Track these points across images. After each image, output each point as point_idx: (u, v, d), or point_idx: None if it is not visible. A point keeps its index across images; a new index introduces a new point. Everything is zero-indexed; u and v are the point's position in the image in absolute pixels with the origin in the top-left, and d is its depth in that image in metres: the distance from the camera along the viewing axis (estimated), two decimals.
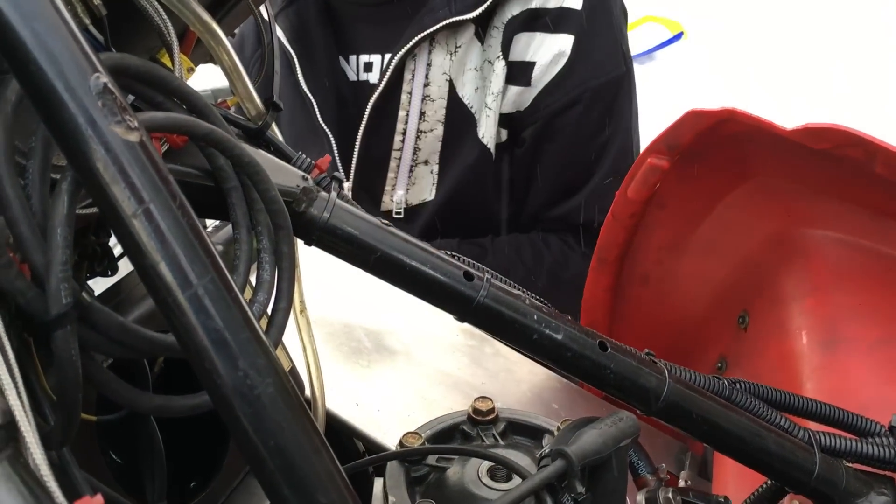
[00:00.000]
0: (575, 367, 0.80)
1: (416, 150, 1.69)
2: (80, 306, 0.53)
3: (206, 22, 0.72)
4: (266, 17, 0.90)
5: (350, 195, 1.77)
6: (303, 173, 0.75)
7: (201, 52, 0.79)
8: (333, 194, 0.75)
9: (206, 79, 0.86)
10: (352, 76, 1.78)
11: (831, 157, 0.96)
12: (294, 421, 0.53)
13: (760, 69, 4.47)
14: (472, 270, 0.77)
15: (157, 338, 0.57)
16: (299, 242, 0.76)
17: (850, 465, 0.87)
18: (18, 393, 0.48)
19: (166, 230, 0.50)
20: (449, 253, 0.78)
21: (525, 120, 1.68)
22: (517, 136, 1.70)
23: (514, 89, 1.66)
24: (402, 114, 1.67)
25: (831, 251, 1.06)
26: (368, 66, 1.76)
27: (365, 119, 1.69)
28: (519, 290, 0.80)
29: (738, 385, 0.87)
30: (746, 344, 1.18)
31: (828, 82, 4.26)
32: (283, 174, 0.73)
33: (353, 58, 1.78)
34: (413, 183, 1.72)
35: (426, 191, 1.73)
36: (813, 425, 0.88)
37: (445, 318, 1.35)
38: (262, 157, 0.74)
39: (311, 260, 1.00)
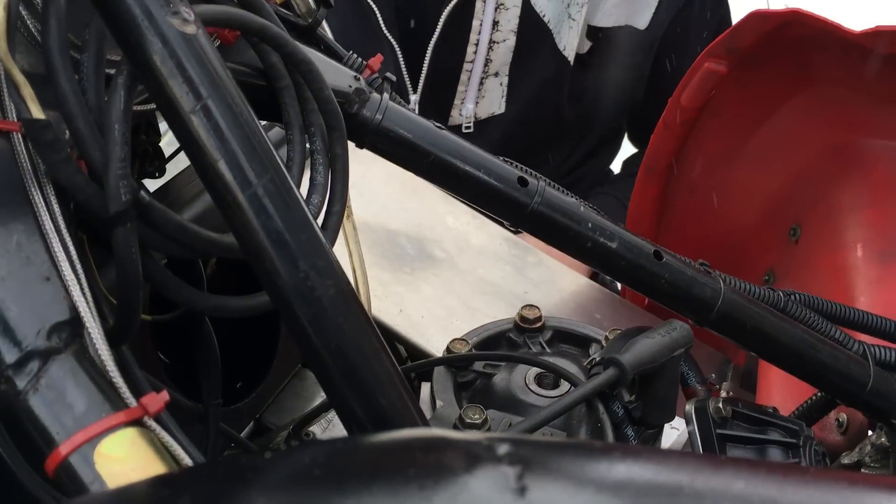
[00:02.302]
0: (628, 276, 0.79)
1: (487, 61, 1.65)
2: (139, 204, 0.52)
3: None
4: None
5: (416, 109, 1.75)
6: (354, 73, 0.73)
7: None
8: (386, 95, 0.73)
9: None
10: None
11: None
12: (355, 323, 0.52)
13: None
14: (526, 176, 0.75)
15: (215, 238, 0.56)
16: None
17: None
18: (82, 288, 0.47)
19: (225, 127, 0.49)
20: (503, 158, 0.76)
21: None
22: (601, 48, 1.66)
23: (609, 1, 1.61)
24: (475, 23, 1.62)
25: (892, 162, 1.03)
26: None
27: (439, 28, 1.64)
28: (574, 197, 0.78)
29: (793, 297, 0.85)
30: (797, 257, 1.15)
31: None
32: (334, 74, 0.71)
33: None
34: (482, 96, 1.68)
35: (495, 104, 1.69)
36: (867, 339, 0.87)
37: (489, 227, 1.35)
38: (313, 55, 0.71)
39: (352, 166, 0.99)
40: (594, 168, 1.85)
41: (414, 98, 1.69)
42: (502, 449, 0.29)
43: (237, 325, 0.93)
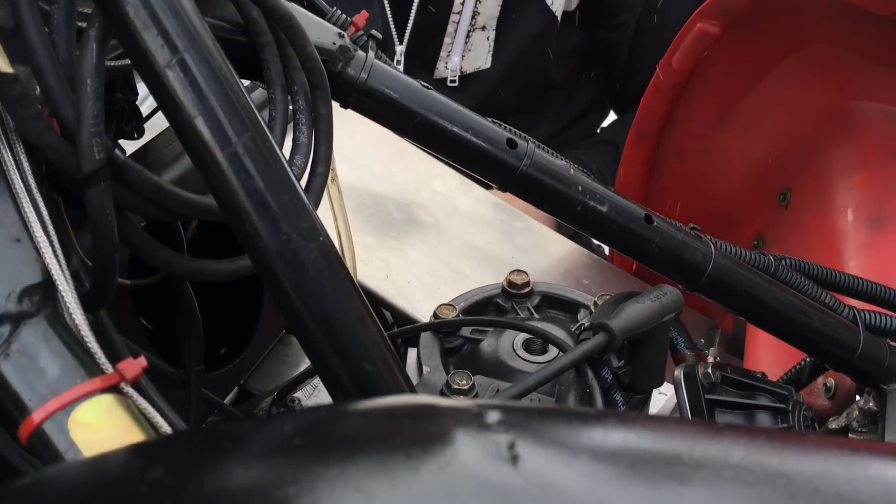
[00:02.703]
0: (619, 240, 0.77)
1: (475, 13, 1.62)
2: (114, 163, 0.50)
3: None
4: None
5: (402, 60, 1.71)
6: (339, 30, 0.70)
7: None
8: (371, 54, 0.71)
9: None
10: None
11: None
12: (339, 287, 0.51)
13: None
14: (515, 138, 0.74)
15: (194, 199, 0.54)
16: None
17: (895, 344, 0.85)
18: (54, 250, 0.45)
19: (203, 82, 0.47)
20: (492, 120, 0.75)
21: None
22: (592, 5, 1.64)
23: None
24: None
25: (886, 125, 1.01)
26: None
27: None
28: (563, 160, 0.76)
29: (783, 261, 0.84)
30: (786, 221, 1.14)
31: None
32: (317, 30, 0.68)
33: None
34: (469, 49, 1.66)
35: (481, 58, 1.67)
36: (858, 304, 0.86)
37: (476, 192, 1.33)
38: (296, 10, 0.69)
39: (336, 129, 0.97)
40: (584, 131, 1.83)
41: (400, 49, 1.67)
42: (492, 416, 0.28)
43: (220, 290, 0.91)
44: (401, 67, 1.68)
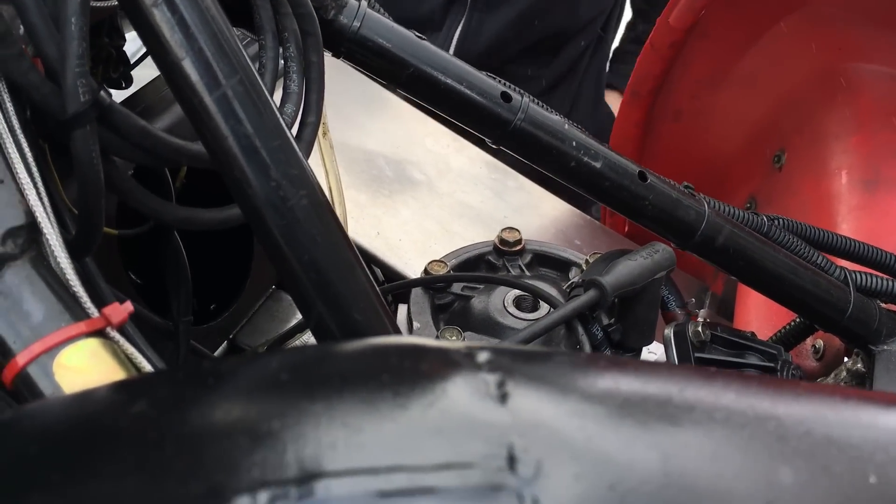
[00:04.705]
0: (612, 197, 0.77)
1: None
2: (100, 106, 0.49)
3: None
4: None
5: None
6: None
7: None
8: (364, 2, 0.69)
9: None
10: None
11: None
12: (329, 236, 0.50)
13: None
14: (510, 91, 0.73)
15: (181, 144, 0.53)
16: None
17: (885, 306, 0.85)
18: (38, 192, 0.45)
19: (191, 22, 0.46)
20: (488, 74, 0.73)
21: None
22: None
23: None
24: None
25: (882, 87, 1.00)
26: None
27: None
28: (558, 115, 0.75)
29: (776, 221, 0.84)
30: (780, 183, 1.14)
31: None
32: None
33: None
34: None
35: None
36: (850, 266, 0.86)
37: (469, 150, 1.32)
38: None
39: (329, 85, 0.95)
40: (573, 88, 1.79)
41: None
42: (482, 356, 0.27)
43: (210, 245, 0.90)
44: None
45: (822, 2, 1.04)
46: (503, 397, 0.24)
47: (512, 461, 0.22)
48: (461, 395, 0.25)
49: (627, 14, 1.89)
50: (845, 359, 0.90)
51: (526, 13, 1.62)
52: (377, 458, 0.22)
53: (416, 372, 0.26)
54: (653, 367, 0.30)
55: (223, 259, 0.94)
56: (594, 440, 0.23)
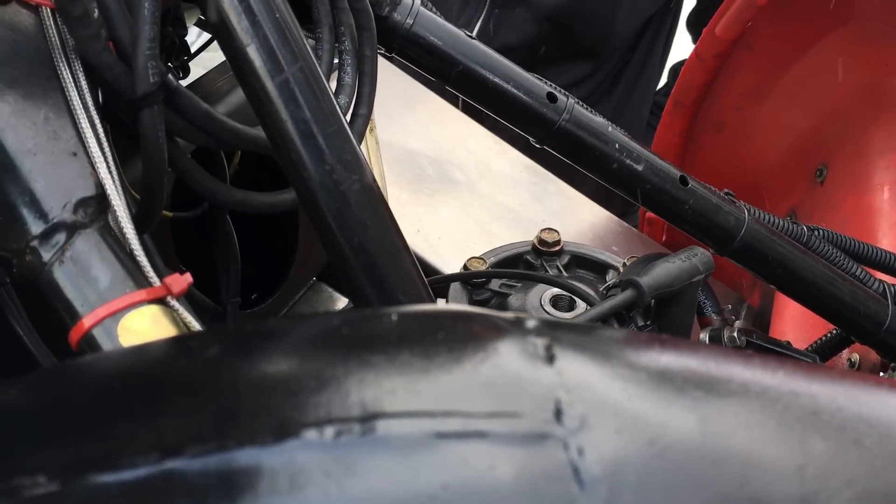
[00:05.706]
0: (652, 200, 0.78)
1: None
2: (167, 88, 0.51)
3: None
4: None
5: None
6: None
7: None
8: (418, 0, 0.71)
9: None
10: None
11: None
12: (378, 220, 0.52)
13: None
14: (556, 92, 0.74)
15: (241, 129, 0.56)
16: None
17: None
18: (108, 165, 0.47)
19: (257, 10, 0.48)
20: (535, 75, 0.75)
21: None
22: None
23: None
24: None
25: None
26: None
27: None
28: (602, 118, 0.77)
29: (816, 232, 0.84)
30: (821, 198, 1.14)
31: None
32: None
33: None
34: None
35: None
36: (889, 280, 0.86)
37: (510, 153, 1.34)
38: None
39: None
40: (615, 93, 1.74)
41: None
42: (530, 323, 0.29)
43: (256, 233, 0.93)
44: None
45: (869, 17, 1.04)
46: (550, 359, 0.26)
47: (558, 413, 0.24)
48: (511, 354, 0.27)
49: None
50: (881, 374, 0.90)
51: (549, 16, 1.56)
52: (433, 404, 0.24)
53: (468, 332, 0.28)
54: (692, 344, 0.32)
55: (267, 248, 0.96)
56: (635, 400, 0.25)
